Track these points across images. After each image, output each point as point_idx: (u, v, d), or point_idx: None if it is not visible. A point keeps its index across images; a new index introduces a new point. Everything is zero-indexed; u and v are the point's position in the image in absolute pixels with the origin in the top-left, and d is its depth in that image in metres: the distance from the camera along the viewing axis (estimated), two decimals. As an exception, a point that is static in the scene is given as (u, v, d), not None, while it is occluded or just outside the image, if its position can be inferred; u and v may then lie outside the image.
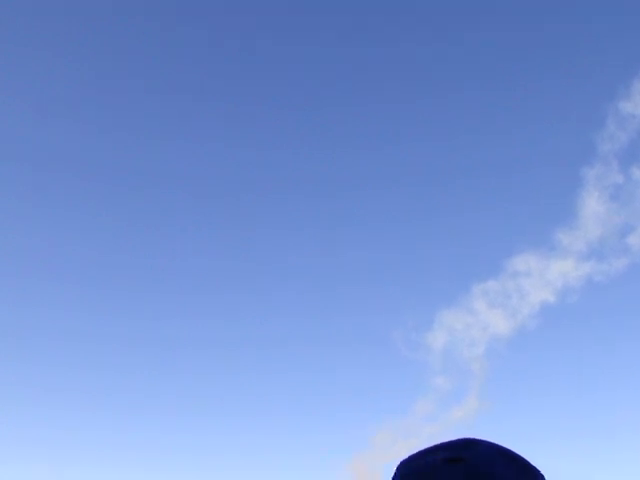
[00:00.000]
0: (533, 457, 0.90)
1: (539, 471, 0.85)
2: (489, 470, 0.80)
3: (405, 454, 0.89)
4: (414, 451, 0.90)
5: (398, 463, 0.90)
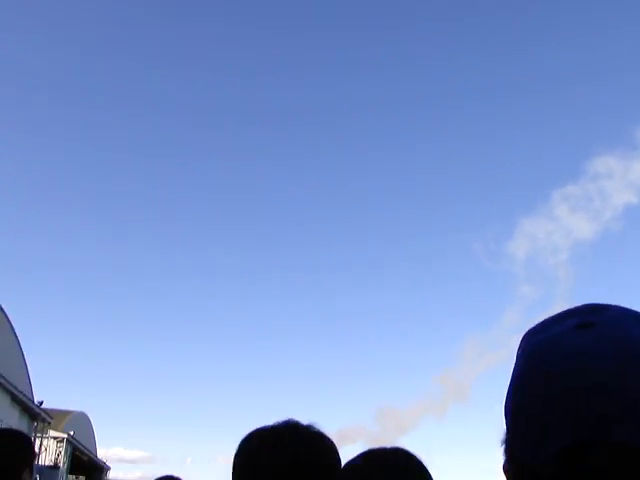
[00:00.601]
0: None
1: None
2: (621, 332, 0.76)
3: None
4: (540, 321, 0.86)
5: (524, 334, 0.86)
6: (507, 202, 61.84)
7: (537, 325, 0.85)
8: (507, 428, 0.83)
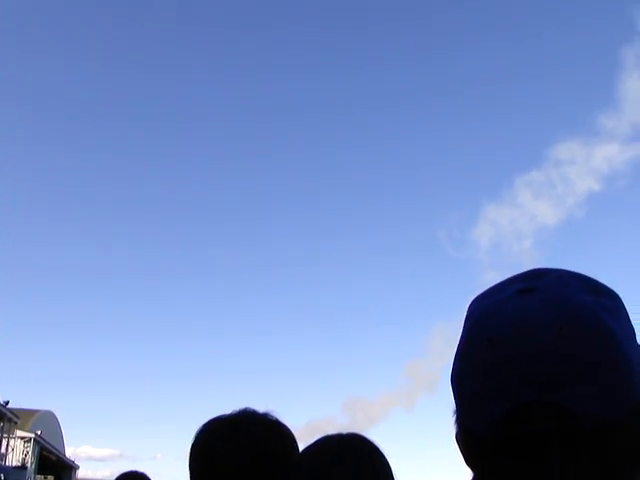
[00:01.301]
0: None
1: (615, 293, 0.80)
2: (563, 296, 0.76)
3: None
4: (485, 289, 0.85)
5: (470, 302, 0.85)
6: (471, 189, 62.32)
7: (483, 292, 0.85)
8: (454, 397, 0.82)
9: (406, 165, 62.12)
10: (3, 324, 55.89)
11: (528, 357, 0.72)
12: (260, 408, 1.63)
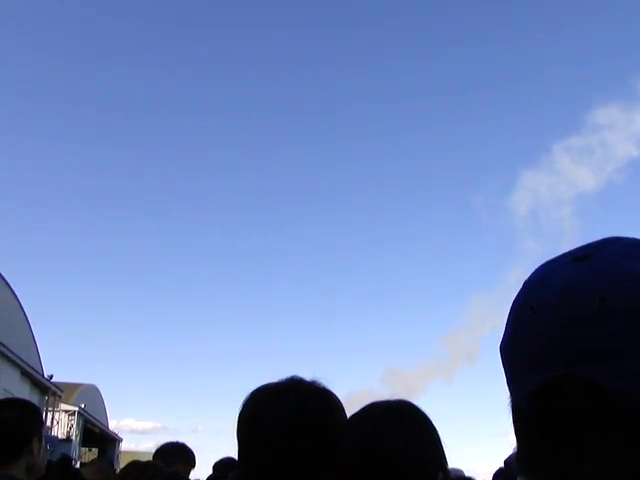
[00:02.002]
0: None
1: None
2: (618, 265, 0.70)
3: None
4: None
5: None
6: (508, 156, 61.26)
7: (549, 259, 0.79)
8: (504, 371, 0.78)
9: (443, 132, 61.26)
10: (47, 300, 57.25)
11: (565, 327, 0.68)
12: (307, 376, 1.61)
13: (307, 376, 1.61)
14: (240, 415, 1.58)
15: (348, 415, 1.55)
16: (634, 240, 0.75)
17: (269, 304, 66.57)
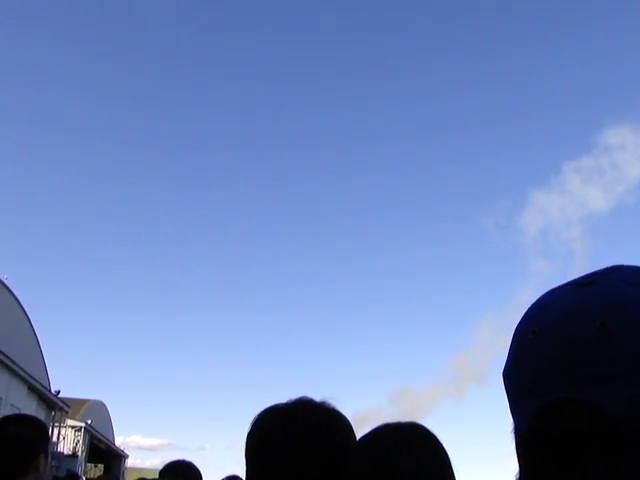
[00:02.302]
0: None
1: None
2: (621, 291, 0.70)
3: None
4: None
5: None
6: (518, 176, 61.27)
7: (551, 288, 0.80)
8: (507, 396, 0.78)
9: (455, 152, 61.35)
10: (55, 315, 57.35)
11: (566, 351, 0.68)
12: (316, 397, 1.60)
13: (316, 397, 1.59)
14: (249, 435, 1.57)
15: (357, 435, 1.54)
16: (636, 268, 0.76)
17: (278, 326, 66.48)
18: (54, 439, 26.84)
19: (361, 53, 59.47)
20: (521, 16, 57.26)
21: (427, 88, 59.98)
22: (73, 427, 31.76)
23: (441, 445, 1.45)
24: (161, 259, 62.19)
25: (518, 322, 0.79)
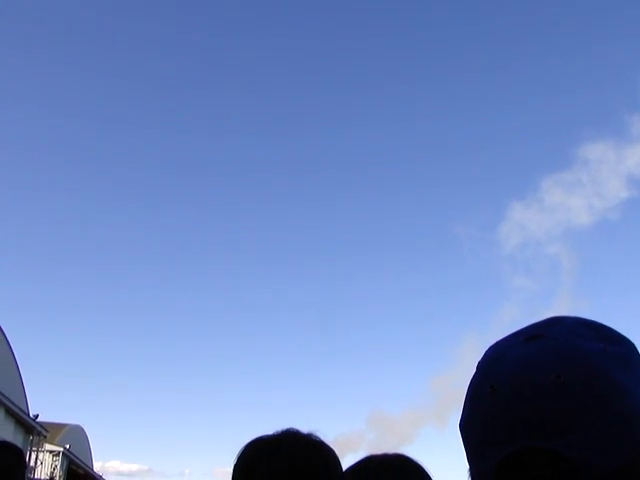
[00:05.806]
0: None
1: (629, 340, 0.80)
2: (568, 343, 0.76)
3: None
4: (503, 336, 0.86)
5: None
6: (496, 190, 61.59)
7: (499, 339, 0.86)
8: (464, 446, 0.81)
9: (433, 164, 61.66)
10: (35, 338, 56.67)
11: (525, 404, 0.72)
12: (302, 428, 1.59)
13: (303, 427, 1.59)
14: (235, 466, 1.57)
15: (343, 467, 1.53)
16: (578, 319, 0.82)
17: (255, 354, 66.03)
18: (32, 464, 26.40)
19: (333, 78, 59.84)
20: (500, 30, 58.06)
21: (407, 104, 60.28)
22: (51, 452, 31.24)
23: (427, 475, 1.44)
24: (140, 283, 61.74)
25: (472, 376, 0.83)
